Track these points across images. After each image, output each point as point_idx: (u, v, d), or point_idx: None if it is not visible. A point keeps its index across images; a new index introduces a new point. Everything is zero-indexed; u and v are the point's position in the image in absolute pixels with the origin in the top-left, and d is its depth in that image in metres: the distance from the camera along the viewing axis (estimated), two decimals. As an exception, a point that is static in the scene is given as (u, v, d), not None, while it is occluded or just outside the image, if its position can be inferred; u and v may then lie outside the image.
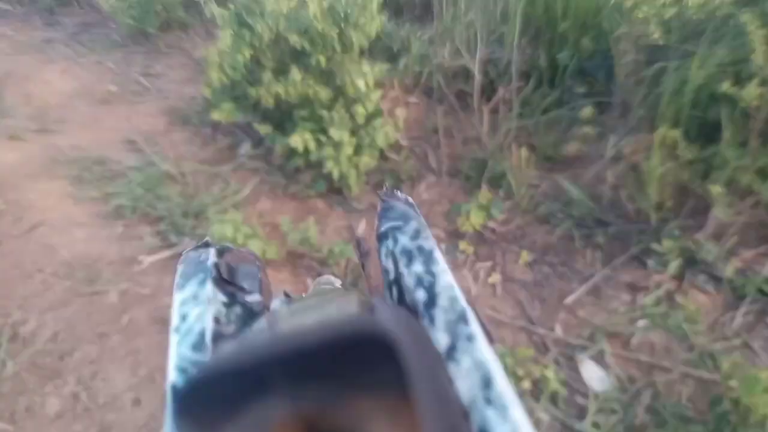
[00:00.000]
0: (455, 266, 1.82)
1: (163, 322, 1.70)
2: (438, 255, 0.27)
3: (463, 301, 0.24)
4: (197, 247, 0.27)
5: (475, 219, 1.90)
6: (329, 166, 2.02)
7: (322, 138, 2.05)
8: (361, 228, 1.99)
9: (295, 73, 2.05)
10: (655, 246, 1.78)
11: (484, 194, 1.95)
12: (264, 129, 2.15)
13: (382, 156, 2.19)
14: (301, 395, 0.14)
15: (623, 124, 2.04)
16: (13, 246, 1.94)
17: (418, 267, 0.26)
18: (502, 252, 1.86)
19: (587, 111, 2.05)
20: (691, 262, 1.75)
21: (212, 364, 0.14)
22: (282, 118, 2.17)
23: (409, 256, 0.26)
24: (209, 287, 0.25)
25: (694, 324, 1.61)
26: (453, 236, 1.93)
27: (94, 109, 2.62)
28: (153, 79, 2.77)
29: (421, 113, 2.33)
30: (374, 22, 2.13)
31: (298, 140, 2.02)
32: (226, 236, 1.80)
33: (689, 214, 1.83)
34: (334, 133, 2.01)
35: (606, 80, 2.16)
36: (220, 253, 0.27)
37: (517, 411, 0.20)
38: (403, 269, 0.26)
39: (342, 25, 2.08)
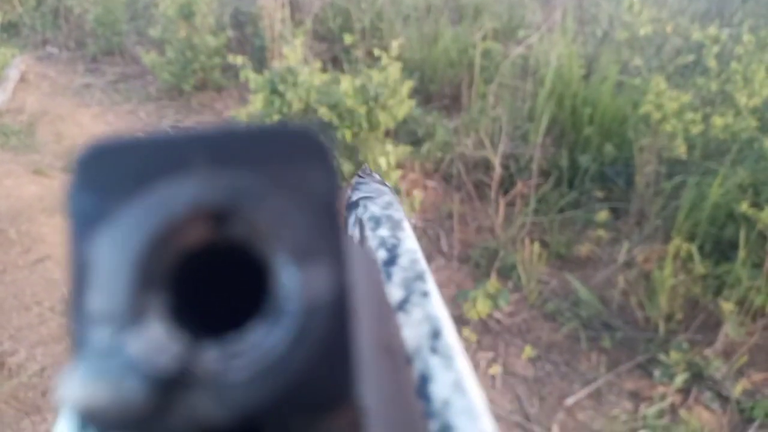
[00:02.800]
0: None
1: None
2: (407, 225, 0.26)
3: (424, 264, 0.24)
4: None
5: (481, 307, 1.88)
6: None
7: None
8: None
9: (321, 143, 2.08)
10: (662, 357, 1.74)
11: (493, 284, 1.94)
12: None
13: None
14: (216, 183, 0.12)
15: (638, 232, 2.04)
16: (16, 276, 1.94)
17: (384, 231, 0.26)
18: (506, 344, 1.83)
19: (603, 214, 2.06)
20: (698, 377, 1.70)
21: (120, 135, 0.13)
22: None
23: (377, 222, 0.26)
24: None
25: (696, 443, 1.56)
26: (457, 322, 1.90)
27: (120, 156, 2.66)
28: (181, 135, 2.83)
29: (438, 198, 2.35)
30: (403, 105, 2.19)
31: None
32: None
33: (699, 328, 1.80)
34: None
35: (625, 187, 2.19)
36: None
37: (462, 362, 0.20)
38: (368, 233, 0.26)
39: (371, 104, 2.13)
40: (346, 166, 2.10)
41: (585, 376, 1.74)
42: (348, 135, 2.13)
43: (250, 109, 2.27)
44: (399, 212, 0.27)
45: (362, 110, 2.13)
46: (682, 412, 1.63)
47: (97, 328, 0.12)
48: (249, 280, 0.13)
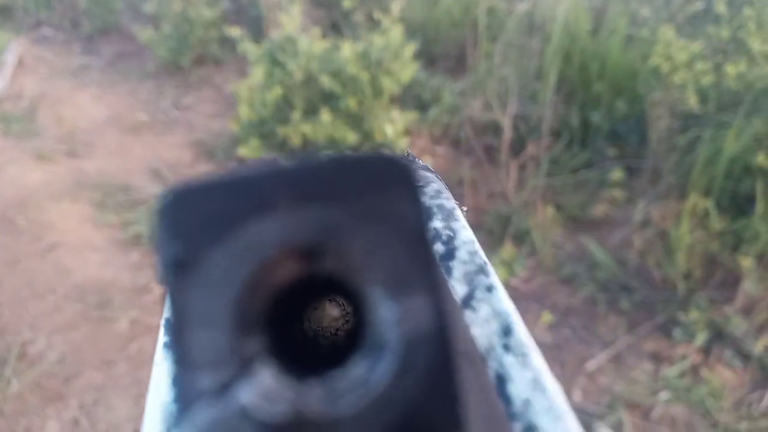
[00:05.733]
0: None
1: (171, 355, 1.67)
2: (459, 214, 0.25)
3: (483, 255, 0.23)
4: None
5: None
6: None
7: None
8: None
9: (325, 115, 2.05)
10: (681, 316, 1.73)
11: (507, 250, 1.92)
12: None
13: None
14: (305, 220, 0.12)
15: (653, 190, 2.01)
16: (29, 265, 1.94)
17: (437, 223, 0.25)
18: (523, 310, 1.81)
19: (617, 173, 2.02)
20: (718, 335, 1.69)
21: (202, 178, 0.13)
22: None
23: (428, 213, 0.25)
24: None
25: (718, 400, 1.55)
26: (472, 290, 1.89)
27: (123, 136, 2.64)
28: (182, 111, 2.80)
29: (447, 164, 2.32)
30: (407, 69, 2.15)
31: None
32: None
33: (718, 285, 1.78)
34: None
35: (638, 144, 2.15)
36: None
37: (537, 358, 0.19)
38: None
39: (374, 70, 2.09)
40: (352, 136, 2.07)
41: (604, 340, 1.73)
42: (353, 103, 2.08)
43: (251, 82, 2.23)
44: (450, 200, 0.26)
45: (365, 77, 2.09)
46: (704, 372, 1.62)
47: (203, 374, 0.11)
48: (343, 313, 0.13)
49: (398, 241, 0.12)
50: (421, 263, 0.12)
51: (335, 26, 2.93)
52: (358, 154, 0.13)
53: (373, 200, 0.12)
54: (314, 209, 0.12)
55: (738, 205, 1.83)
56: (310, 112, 2.14)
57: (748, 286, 1.68)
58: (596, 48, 2.24)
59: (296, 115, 2.12)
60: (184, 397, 0.11)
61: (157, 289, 1.86)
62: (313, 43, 2.19)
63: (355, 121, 2.11)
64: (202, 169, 2.44)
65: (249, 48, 2.24)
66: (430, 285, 0.12)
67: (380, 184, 0.12)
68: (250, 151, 2.20)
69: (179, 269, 0.12)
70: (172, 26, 2.98)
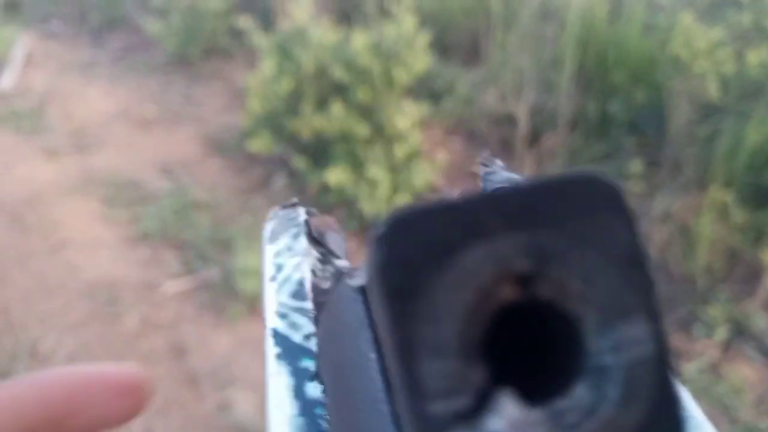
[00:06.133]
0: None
1: (181, 353, 1.67)
2: None
3: None
4: (285, 207, 0.27)
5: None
6: (364, 204, 1.97)
7: (359, 175, 2.00)
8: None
9: (337, 108, 2.02)
10: (701, 312, 1.69)
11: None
12: (299, 162, 2.11)
13: (418, 197, 2.14)
14: (520, 245, 0.12)
15: (673, 182, 1.96)
16: (38, 262, 1.94)
17: None
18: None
19: (636, 165, 1.98)
20: (738, 331, 1.66)
21: (417, 205, 0.13)
22: (319, 152, 2.14)
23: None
24: (303, 241, 0.25)
25: (739, 397, 1.53)
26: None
27: (132, 131, 2.63)
28: (192, 106, 2.78)
29: (462, 157, 2.28)
30: (420, 60, 2.11)
31: (333, 176, 1.98)
32: (253, 267, 1.77)
33: (739, 280, 1.75)
34: (371, 171, 1.96)
35: (657, 135, 2.10)
36: (309, 214, 0.27)
37: None
38: None
39: (386, 60, 2.05)
40: (364, 129, 2.03)
41: (623, 336, 1.70)
42: (364, 95, 2.05)
43: (262, 74, 2.20)
44: None
45: (377, 68, 2.05)
46: (723, 368, 1.59)
47: (438, 404, 0.12)
48: (554, 338, 0.13)
49: (615, 265, 0.12)
50: (640, 287, 0.12)
51: (346, 16, 2.89)
52: (564, 176, 0.13)
53: (584, 223, 0.12)
54: (528, 235, 0.12)
55: (760, 198, 1.79)
56: (321, 104, 2.11)
57: (771, 281, 1.65)
58: (613, 36, 2.20)
59: (307, 108, 2.09)
60: (422, 426, 0.11)
61: (167, 286, 1.85)
62: (324, 34, 2.16)
63: (367, 113, 2.07)
64: (211, 164, 2.42)
65: (259, 40, 2.21)
66: (650, 311, 0.12)
67: (590, 205, 0.12)
68: (260, 144, 2.18)
69: (401, 298, 0.12)
70: (181, 18, 2.96)
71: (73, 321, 1.75)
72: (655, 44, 2.15)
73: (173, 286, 1.86)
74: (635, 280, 0.12)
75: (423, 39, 2.12)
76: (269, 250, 0.25)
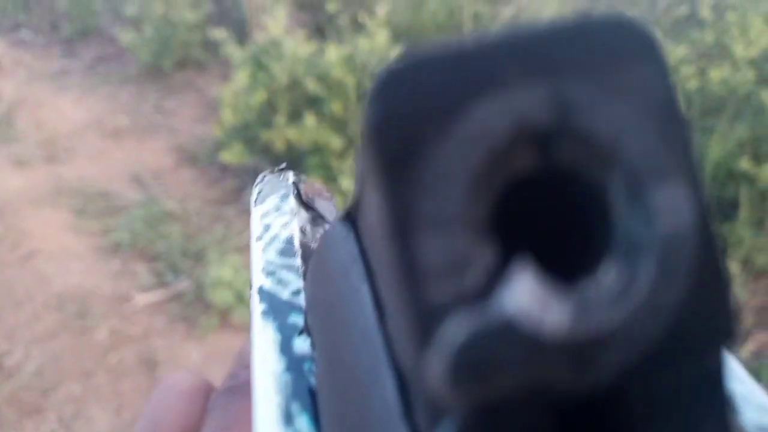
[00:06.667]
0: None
1: (152, 365, 1.66)
2: None
3: None
4: (274, 171, 0.26)
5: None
6: (337, 215, 1.98)
7: (332, 187, 2.02)
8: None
9: (310, 120, 2.03)
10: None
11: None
12: (273, 173, 2.12)
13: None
14: (539, 96, 0.10)
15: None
16: (7, 273, 1.91)
17: None
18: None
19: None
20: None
21: (419, 52, 0.11)
22: (292, 164, 2.13)
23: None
24: (292, 201, 0.24)
25: None
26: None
27: (104, 141, 2.61)
28: (164, 116, 2.77)
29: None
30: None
31: (306, 187, 1.99)
32: (225, 278, 1.77)
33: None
34: (345, 183, 1.98)
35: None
36: (298, 179, 0.26)
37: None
38: None
39: (359, 74, 2.07)
40: (337, 141, 2.05)
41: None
42: (337, 107, 2.07)
43: (235, 86, 2.21)
44: None
45: (351, 81, 2.08)
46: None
47: (442, 285, 0.10)
48: (579, 210, 0.11)
49: (648, 120, 0.10)
50: (676, 145, 0.10)
51: (320, 30, 2.91)
52: (593, 19, 0.11)
53: (613, 72, 0.11)
54: (548, 84, 0.10)
55: (723, 212, 1.84)
56: (295, 116, 2.12)
57: (734, 291, 1.69)
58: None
59: (280, 120, 2.10)
60: (421, 313, 0.10)
61: (138, 298, 1.84)
62: (298, 47, 2.18)
63: (341, 125, 2.09)
64: (184, 175, 2.42)
65: (233, 51, 2.22)
66: (689, 172, 0.10)
67: (622, 54, 0.11)
68: (233, 155, 2.18)
69: (400, 162, 0.10)
70: (154, 29, 2.95)
71: (41, 334, 1.72)
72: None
73: (144, 297, 1.85)
74: (672, 136, 0.10)
75: (396, 52, 2.15)
76: (256, 212, 0.23)
